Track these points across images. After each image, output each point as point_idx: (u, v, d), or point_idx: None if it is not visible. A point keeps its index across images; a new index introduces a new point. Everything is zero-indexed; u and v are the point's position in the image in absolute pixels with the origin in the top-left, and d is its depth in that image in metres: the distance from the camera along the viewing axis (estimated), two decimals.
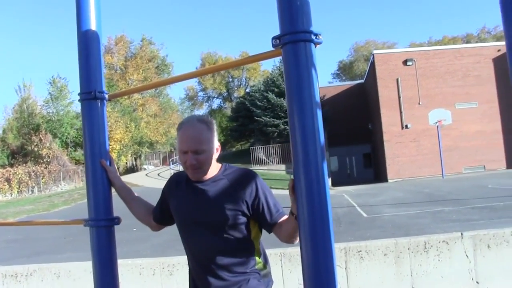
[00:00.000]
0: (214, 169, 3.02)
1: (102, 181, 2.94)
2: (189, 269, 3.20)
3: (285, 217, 2.86)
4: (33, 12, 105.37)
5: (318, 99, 1.96)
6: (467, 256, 7.08)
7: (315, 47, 2.00)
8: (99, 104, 2.97)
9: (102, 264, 2.90)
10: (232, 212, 2.91)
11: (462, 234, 7.18)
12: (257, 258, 3.04)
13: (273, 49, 2.05)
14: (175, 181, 3.20)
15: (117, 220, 2.93)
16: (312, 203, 1.88)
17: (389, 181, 32.85)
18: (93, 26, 2.95)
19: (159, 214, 3.26)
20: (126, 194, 3.26)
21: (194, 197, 3.01)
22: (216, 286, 2.97)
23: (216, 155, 3.01)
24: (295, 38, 1.95)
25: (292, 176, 1.99)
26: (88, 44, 2.96)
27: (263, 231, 3.08)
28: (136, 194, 3.36)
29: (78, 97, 2.98)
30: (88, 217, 2.90)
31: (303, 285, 1.82)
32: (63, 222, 4.00)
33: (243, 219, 2.94)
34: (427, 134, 33.28)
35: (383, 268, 7.02)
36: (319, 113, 1.95)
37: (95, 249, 2.88)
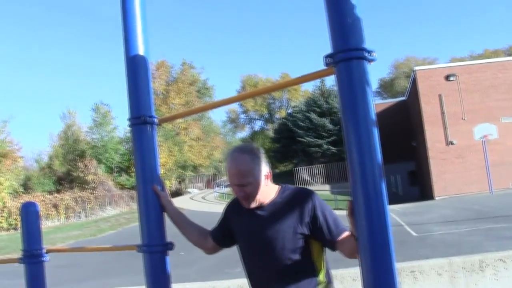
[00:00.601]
0: (271, 192, 3.01)
1: (154, 206, 2.93)
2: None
3: (347, 233, 2.78)
4: (76, 42, 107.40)
5: (373, 117, 1.91)
6: None
7: (369, 64, 1.96)
8: (148, 129, 2.97)
9: None
10: (291, 235, 2.87)
11: None
12: (320, 277, 2.98)
13: (324, 67, 2.01)
14: (238, 204, 3.14)
15: (170, 245, 2.92)
16: (371, 224, 1.83)
17: (436, 198, 32.29)
18: (141, 51, 2.96)
19: (221, 235, 3.24)
20: (179, 218, 3.24)
21: (253, 223, 3.00)
22: None
23: (267, 181, 2.97)
24: (348, 55, 1.91)
25: (350, 198, 1.94)
26: (136, 70, 2.97)
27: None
28: (188, 219, 3.33)
29: (128, 122, 2.98)
30: (141, 243, 2.88)
31: None
32: (116, 248, 4.00)
33: (302, 240, 2.90)
34: (473, 150, 32.66)
35: None
36: (375, 131, 1.90)
37: (149, 274, 2.87)
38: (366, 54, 1.92)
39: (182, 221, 3.27)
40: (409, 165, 43.24)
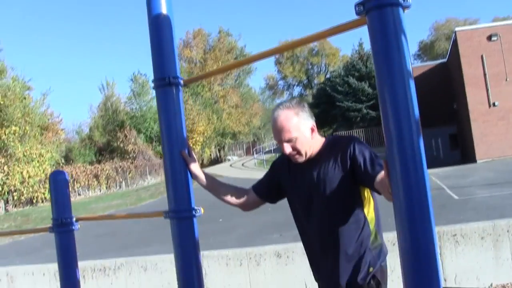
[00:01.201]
0: (317, 145, 3.00)
1: (181, 171, 2.81)
2: (305, 248, 3.20)
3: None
4: (110, 13, 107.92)
5: (410, 68, 1.73)
6: None
7: (404, 11, 1.77)
8: (174, 90, 2.83)
9: (185, 256, 2.78)
10: (339, 183, 2.87)
11: None
12: (371, 227, 2.98)
13: (356, 17, 1.83)
14: (285, 160, 3.15)
15: (198, 211, 2.80)
16: (409, 184, 1.65)
17: (478, 161, 31.72)
18: (164, 9, 2.81)
19: (266, 189, 3.23)
20: (211, 182, 3.15)
21: (302, 177, 3.01)
22: (331, 263, 2.98)
23: (313, 135, 2.96)
24: (381, 2, 1.72)
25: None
26: (159, 29, 2.82)
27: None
28: (220, 181, 3.27)
29: (152, 84, 2.86)
30: (168, 209, 2.78)
31: (402, 276, 1.59)
32: (143, 215, 3.92)
33: (351, 188, 2.88)
34: None
35: (480, 253, 6.67)
36: (412, 84, 1.71)
37: (177, 241, 2.76)
38: (401, 0, 1.73)
39: (214, 184, 3.19)
40: (450, 128, 42.57)
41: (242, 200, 3.23)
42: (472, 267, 6.66)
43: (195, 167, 2.92)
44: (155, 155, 48.36)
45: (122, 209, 22.30)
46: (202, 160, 55.62)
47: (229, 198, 3.21)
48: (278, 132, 2.90)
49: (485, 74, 33.40)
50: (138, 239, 12.28)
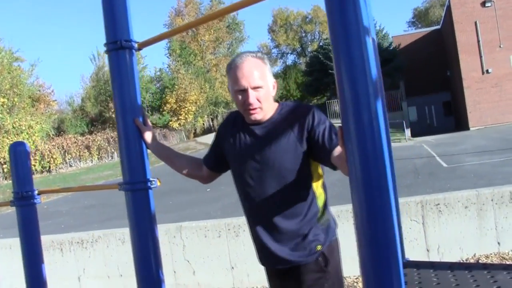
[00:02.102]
0: (272, 109, 2.76)
1: (135, 140, 2.61)
2: (249, 226, 2.96)
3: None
4: None
5: (367, 23, 1.52)
6: None
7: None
8: (127, 54, 2.62)
9: (140, 230, 2.60)
10: (291, 154, 2.66)
11: None
12: (319, 204, 2.79)
13: None
14: (231, 121, 2.93)
15: (154, 182, 2.61)
16: (365, 154, 1.45)
17: (471, 129, 31.71)
18: None
19: (214, 159, 3.01)
20: (165, 152, 2.97)
21: (249, 141, 2.77)
22: (276, 239, 2.78)
23: (273, 92, 2.75)
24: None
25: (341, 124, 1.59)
26: None
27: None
28: (175, 151, 3.08)
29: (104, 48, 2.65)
30: (122, 180, 2.59)
31: (358, 253, 1.41)
32: (98, 187, 3.74)
33: (303, 161, 2.67)
34: (510, 78, 31.88)
35: (464, 222, 6.52)
36: (369, 42, 1.51)
37: (132, 214, 2.58)
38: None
39: (168, 154, 3.00)
40: (444, 95, 42.57)
41: (198, 172, 3.06)
42: (455, 237, 6.53)
43: (149, 136, 2.72)
44: None
45: (112, 180, 22.19)
46: (195, 130, 55.55)
47: (185, 170, 3.03)
48: (243, 78, 2.63)
49: (478, 41, 33.25)
50: (123, 211, 12.18)
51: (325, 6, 1.53)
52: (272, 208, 2.73)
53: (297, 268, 2.80)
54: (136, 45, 2.65)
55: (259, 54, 2.75)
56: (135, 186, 2.57)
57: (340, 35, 1.46)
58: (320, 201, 2.79)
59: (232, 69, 2.69)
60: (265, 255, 2.88)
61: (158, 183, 2.60)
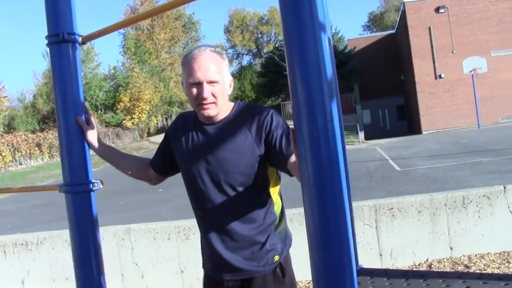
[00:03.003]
0: (226, 108, 2.59)
1: (77, 139, 2.45)
2: (200, 230, 2.78)
3: None
4: None
5: (323, 19, 1.40)
6: (510, 211, 6.51)
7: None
8: (70, 48, 2.45)
9: (81, 235, 2.43)
10: (247, 157, 2.50)
11: (504, 187, 6.57)
12: (275, 210, 2.65)
13: None
14: (181, 122, 2.76)
15: (96, 184, 2.45)
16: (319, 157, 1.33)
17: (424, 133, 32.16)
18: None
19: (161, 162, 2.84)
20: (110, 153, 2.82)
21: (203, 142, 2.59)
22: (230, 246, 2.61)
23: (229, 90, 2.58)
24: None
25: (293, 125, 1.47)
26: None
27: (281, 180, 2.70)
28: (120, 151, 2.94)
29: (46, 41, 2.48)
30: (63, 182, 2.44)
31: (310, 261, 1.29)
32: (37, 188, 3.56)
33: (260, 164, 2.52)
34: (462, 84, 32.39)
35: (417, 227, 6.49)
36: (324, 39, 1.39)
37: (72, 217, 2.41)
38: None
39: (113, 155, 2.86)
40: (398, 99, 43.09)
41: (144, 173, 2.90)
42: (408, 241, 6.50)
43: (92, 136, 2.54)
44: (100, 123, 47.71)
45: (49, 183, 21.76)
46: (149, 129, 55.19)
47: (130, 171, 2.88)
48: (199, 70, 2.45)
49: (432, 46, 33.80)
50: None
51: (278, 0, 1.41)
52: (226, 213, 2.58)
53: (251, 280, 2.63)
54: (80, 39, 2.49)
55: (218, 49, 2.60)
56: (76, 188, 2.42)
57: (294, 30, 1.34)
58: (277, 208, 2.66)
59: (188, 60, 2.51)
60: (216, 263, 2.70)
61: (101, 185, 2.45)
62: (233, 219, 2.57)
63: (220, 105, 2.52)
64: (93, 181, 2.44)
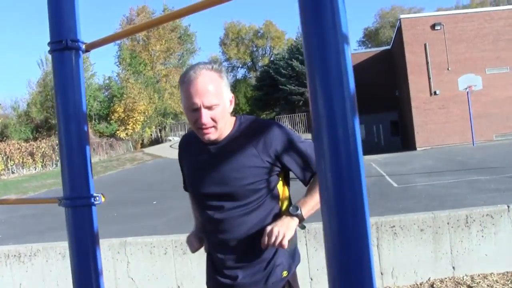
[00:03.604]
0: (229, 125, 2.52)
1: (78, 151, 2.32)
2: (208, 245, 2.74)
3: None
4: None
5: (346, 29, 1.30)
6: None
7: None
8: (73, 56, 2.33)
9: (81, 250, 2.29)
10: (253, 170, 2.44)
11: (508, 206, 6.49)
12: None
13: None
14: (184, 145, 2.73)
15: (98, 198, 2.33)
16: (339, 173, 1.22)
17: (418, 149, 32.14)
18: None
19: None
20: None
21: (207, 162, 2.52)
22: (238, 263, 2.55)
23: (230, 108, 2.49)
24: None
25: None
26: None
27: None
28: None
29: (49, 47, 2.37)
30: (62, 195, 2.30)
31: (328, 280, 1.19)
32: (36, 200, 3.45)
33: (267, 177, 2.47)
34: (457, 101, 32.41)
35: (419, 245, 6.39)
36: (347, 51, 1.29)
37: (72, 232, 2.27)
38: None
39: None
40: (392, 115, 43.10)
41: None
42: (410, 260, 6.40)
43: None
44: (94, 133, 47.61)
45: (55, 189, 21.62)
46: (143, 140, 55.10)
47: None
48: (196, 95, 2.36)
49: (427, 63, 33.89)
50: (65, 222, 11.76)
51: (298, 5, 1.31)
52: (235, 231, 2.51)
53: None
54: (83, 46, 2.38)
55: (216, 66, 2.48)
56: (77, 202, 2.28)
57: (315, 40, 1.23)
58: None
59: (185, 84, 2.41)
60: (222, 281, 2.63)
61: (103, 199, 2.33)
62: (241, 237, 2.51)
63: (220, 128, 2.45)
64: (94, 194, 2.33)
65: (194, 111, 2.40)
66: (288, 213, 2.39)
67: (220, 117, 2.40)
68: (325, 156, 1.20)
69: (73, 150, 2.29)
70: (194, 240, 2.74)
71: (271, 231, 2.32)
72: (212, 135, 2.44)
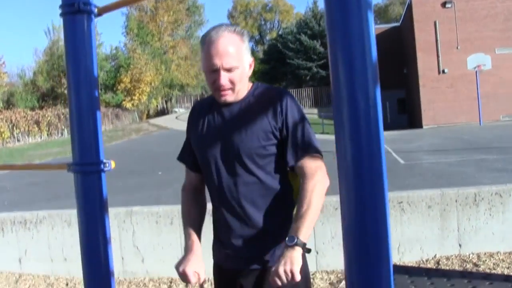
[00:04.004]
0: (246, 88, 2.49)
1: (88, 116, 2.29)
2: (214, 218, 2.68)
3: (315, 159, 2.40)
4: None
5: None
6: None
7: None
8: (85, 19, 2.28)
9: (90, 217, 2.26)
10: (264, 138, 2.40)
11: None
12: (295, 198, 2.52)
13: None
14: (197, 110, 2.67)
15: (108, 165, 2.30)
16: (359, 146, 1.18)
17: (424, 127, 32.03)
18: None
19: (192, 156, 2.70)
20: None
21: (218, 123, 2.50)
22: (245, 234, 2.50)
23: (249, 72, 2.46)
24: None
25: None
26: None
27: None
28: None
29: (60, 11, 2.32)
30: (72, 161, 2.27)
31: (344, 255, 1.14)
32: (45, 166, 3.42)
33: (276, 147, 2.44)
34: (465, 80, 32.17)
35: (426, 222, 6.39)
36: (370, 17, 1.24)
37: (81, 199, 2.24)
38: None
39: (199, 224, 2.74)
40: (399, 92, 42.92)
41: (194, 185, 2.77)
42: (417, 237, 6.39)
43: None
44: (100, 103, 47.49)
45: (61, 158, 21.65)
46: (148, 111, 55.10)
47: (203, 208, 2.77)
48: (217, 57, 2.34)
49: (437, 41, 33.61)
50: (71, 189, 11.79)
51: None
52: (242, 199, 2.46)
53: (264, 272, 2.50)
54: (95, 10, 2.33)
55: (238, 29, 2.46)
56: (86, 168, 2.25)
57: (337, 5, 1.19)
58: (295, 194, 2.52)
59: (206, 44, 2.38)
60: (229, 253, 2.60)
61: (113, 165, 2.30)
62: (249, 206, 2.47)
63: (238, 90, 2.43)
64: (104, 161, 2.30)
65: (213, 72, 2.38)
66: (286, 245, 2.29)
67: (238, 80, 2.39)
68: (344, 126, 1.16)
69: (83, 115, 2.25)
70: (190, 274, 2.42)
71: (278, 274, 2.20)
72: (229, 97, 2.43)
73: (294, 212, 2.39)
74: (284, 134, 2.42)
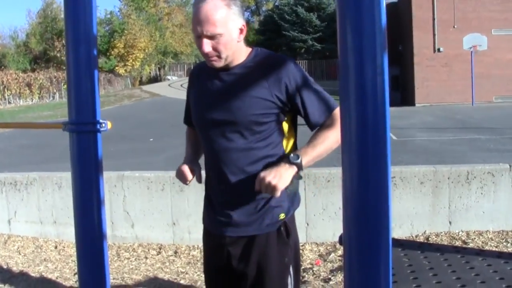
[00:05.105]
0: (242, 54, 2.46)
1: (86, 74, 2.25)
2: (205, 182, 2.70)
3: (336, 113, 2.46)
4: None
5: None
6: None
7: None
8: None
9: (84, 177, 2.24)
10: (261, 104, 2.39)
11: (510, 166, 6.49)
12: None
13: None
14: (196, 73, 2.68)
15: (104, 125, 2.27)
16: (365, 114, 1.16)
17: (417, 105, 32.03)
18: None
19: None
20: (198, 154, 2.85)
21: (217, 88, 2.49)
22: (234, 200, 2.52)
23: (240, 37, 2.41)
24: None
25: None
26: None
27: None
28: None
29: None
30: (68, 120, 2.24)
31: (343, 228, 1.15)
32: (40, 125, 3.39)
33: (274, 114, 2.42)
34: (460, 60, 32.11)
35: (418, 198, 6.42)
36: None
37: (76, 159, 2.22)
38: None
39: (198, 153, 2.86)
40: (393, 69, 42.74)
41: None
42: (408, 212, 6.42)
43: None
44: None
45: (52, 121, 21.53)
46: (141, 78, 55.01)
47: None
48: (199, 24, 2.32)
49: (434, 19, 33.51)
50: (62, 153, 11.71)
51: None
52: (234, 164, 2.47)
53: (253, 238, 2.53)
54: None
55: None
56: (82, 128, 2.22)
57: None
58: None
59: (193, 9, 2.41)
60: (217, 218, 2.60)
61: (109, 126, 2.27)
62: (241, 171, 2.47)
63: (226, 57, 2.40)
64: (100, 121, 2.26)
65: (198, 38, 2.38)
66: (287, 160, 2.33)
67: (223, 47, 2.36)
68: (349, 94, 1.14)
69: (81, 73, 2.22)
70: (186, 170, 2.60)
71: (263, 178, 2.27)
72: (217, 63, 2.41)
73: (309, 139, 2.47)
74: (297, 102, 2.42)
